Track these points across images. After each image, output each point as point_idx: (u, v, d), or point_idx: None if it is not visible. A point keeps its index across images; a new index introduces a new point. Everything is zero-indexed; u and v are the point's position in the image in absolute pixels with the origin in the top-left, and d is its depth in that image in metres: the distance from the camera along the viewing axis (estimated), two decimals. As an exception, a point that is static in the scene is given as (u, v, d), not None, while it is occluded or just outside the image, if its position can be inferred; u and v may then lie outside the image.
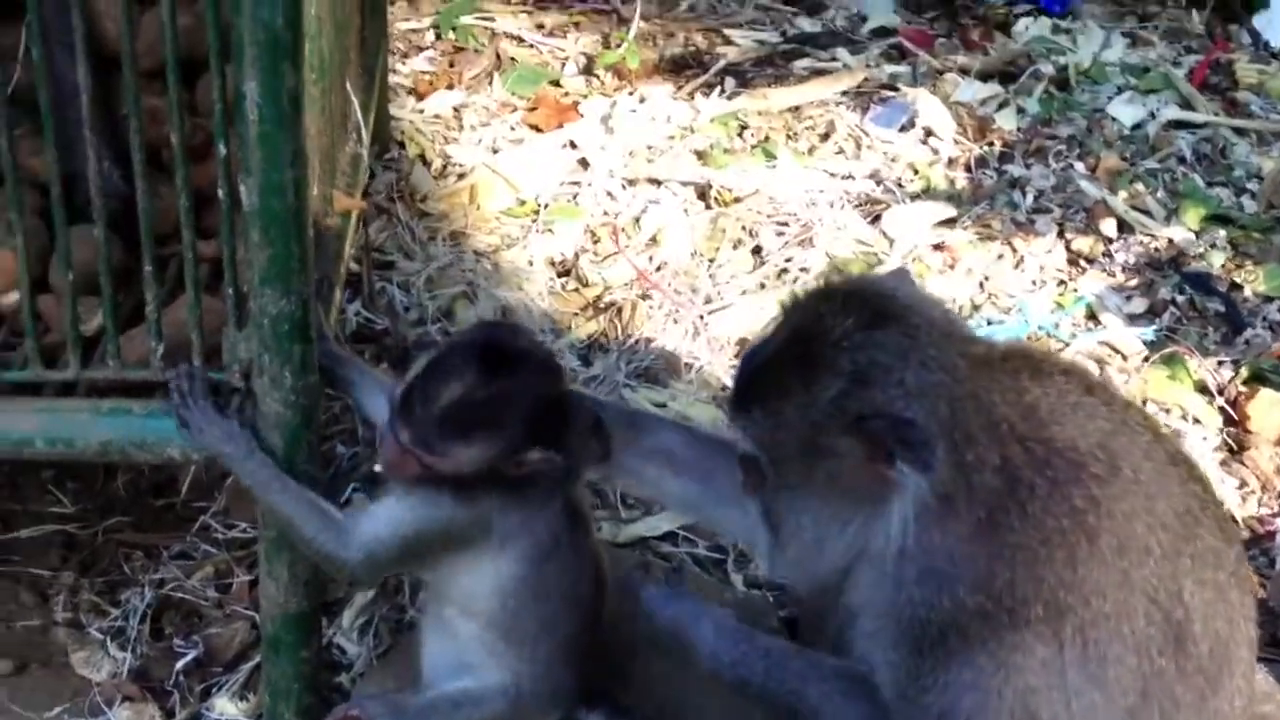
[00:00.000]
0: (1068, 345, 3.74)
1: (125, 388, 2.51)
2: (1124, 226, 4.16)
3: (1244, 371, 3.65)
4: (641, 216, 4.11)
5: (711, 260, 3.98)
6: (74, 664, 2.91)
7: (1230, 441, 3.52)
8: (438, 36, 4.89)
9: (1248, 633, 2.26)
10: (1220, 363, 3.70)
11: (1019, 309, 3.85)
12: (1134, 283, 3.98)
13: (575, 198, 4.18)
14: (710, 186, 4.20)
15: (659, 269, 3.93)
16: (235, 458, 2.43)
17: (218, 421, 2.43)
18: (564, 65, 4.78)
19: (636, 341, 3.71)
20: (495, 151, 4.32)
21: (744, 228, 4.08)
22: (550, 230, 4.06)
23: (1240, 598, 2.24)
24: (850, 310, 2.17)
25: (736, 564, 3.10)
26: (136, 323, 2.58)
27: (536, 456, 2.36)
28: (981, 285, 3.95)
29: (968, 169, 4.37)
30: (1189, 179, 4.36)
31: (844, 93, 4.66)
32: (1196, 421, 3.56)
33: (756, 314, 3.72)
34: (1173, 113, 4.65)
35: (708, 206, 4.17)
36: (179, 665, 2.89)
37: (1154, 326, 3.82)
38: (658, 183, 4.23)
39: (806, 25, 5.10)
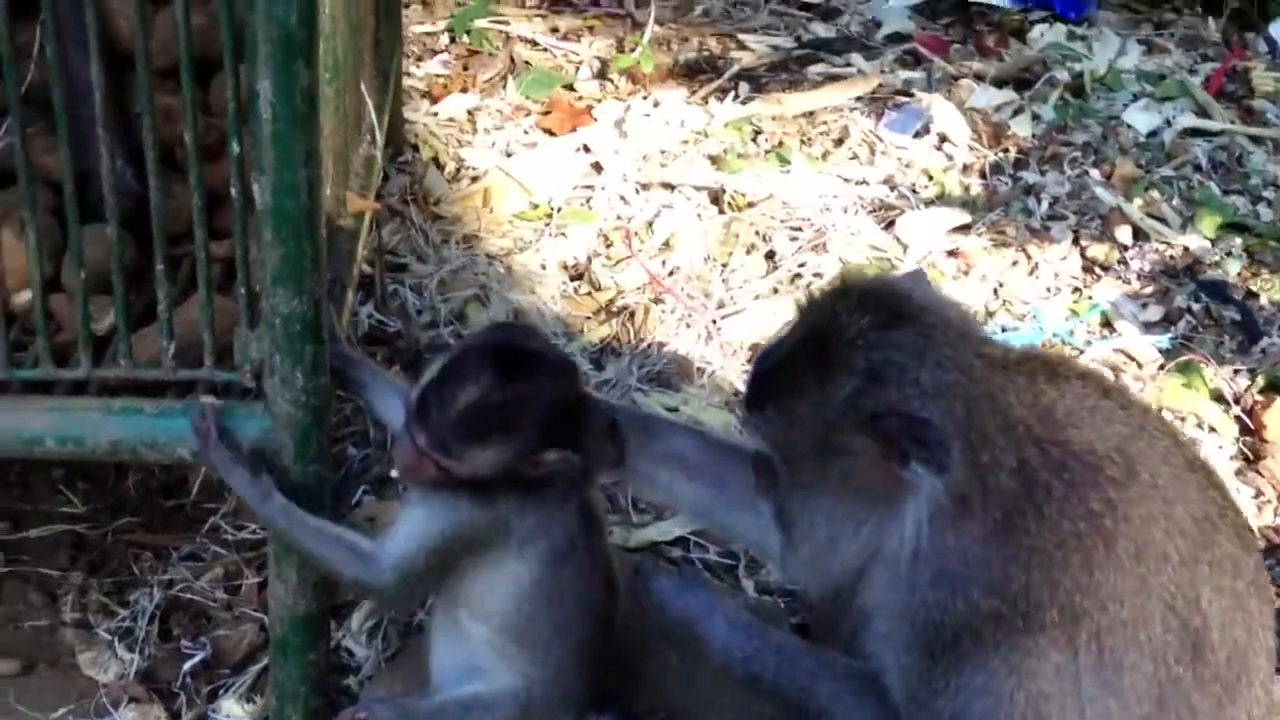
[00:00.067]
0: (1082, 353, 3.72)
1: (136, 387, 2.50)
2: (1139, 234, 4.14)
3: (1260, 380, 3.62)
4: (654, 221, 4.10)
5: (724, 265, 3.97)
6: (81, 664, 2.90)
7: (1246, 451, 3.49)
8: (452, 40, 4.89)
9: (1266, 642, 2.24)
10: (1236, 371, 3.68)
11: (1033, 316, 3.84)
12: (1149, 290, 3.96)
13: (588, 201, 4.17)
14: (724, 191, 4.19)
15: (672, 273, 3.92)
16: (256, 500, 2.45)
17: (238, 465, 2.44)
18: (578, 69, 4.77)
19: (649, 346, 3.69)
20: (509, 155, 4.31)
21: (757, 233, 4.07)
22: (563, 234, 4.05)
23: (1259, 606, 2.22)
24: (866, 309, 2.15)
25: (748, 569, 3.08)
26: (148, 322, 2.57)
27: (554, 457, 2.35)
28: (996, 292, 3.93)
29: (982, 175, 4.35)
30: (1205, 187, 4.34)
31: (858, 98, 4.65)
32: (1212, 430, 3.53)
33: (769, 319, 3.70)
34: (1189, 120, 4.63)
35: (721, 211, 4.15)
36: (186, 667, 2.88)
37: (1169, 334, 3.79)
38: (671, 187, 4.22)
39: (821, 30, 5.09)
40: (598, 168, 4.28)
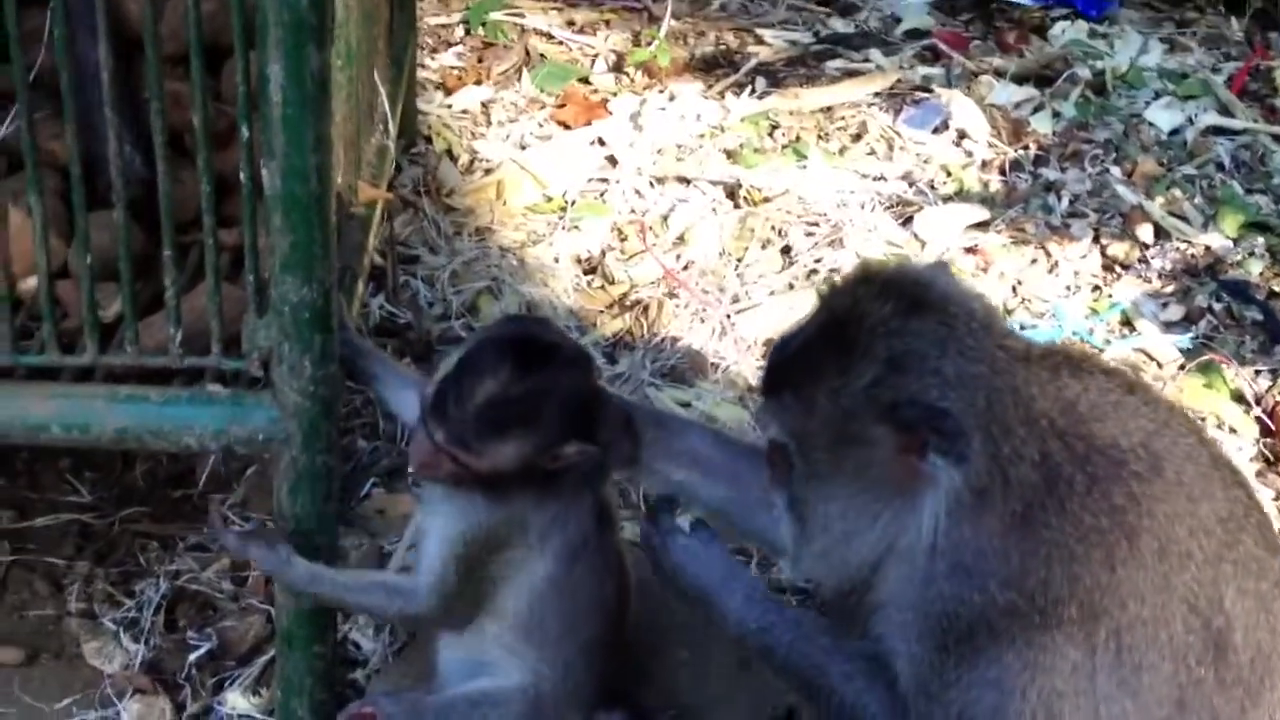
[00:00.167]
0: (1102, 352, 3.67)
1: (143, 374, 2.48)
2: (1160, 232, 4.10)
3: (1282, 381, 3.58)
4: (669, 215, 4.07)
5: (740, 260, 3.93)
6: (86, 654, 2.88)
7: (1266, 452, 3.45)
8: (467, 32, 4.87)
9: (1290, 645, 2.19)
10: (1258, 372, 3.64)
11: (1053, 314, 3.79)
12: (1170, 289, 3.91)
13: (603, 195, 4.14)
14: (740, 186, 4.15)
15: (686, 268, 3.89)
16: (279, 571, 2.46)
17: (251, 540, 2.48)
18: (593, 62, 4.75)
19: (662, 340, 3.66)
20: (523, 148, 4.29)
21: (773, 228, 4.03)
22: (577, 227, 4.02)
23: (1284, 608, 2.18)
24: (888, 297, 2.12)
25: (760, 567, 3.04)
26: (156, 310, 2.55)
27: (572, 450, 2.34)
28: (1014, 289, 3.89)
29: (1002, 172, 4.31)
30: (1227, 186, 4.29)
31: (876, 94, 4.61)
32: (1232, 431, 3.49)
33: (785, 314, 3.66)
34: (1211, 119, 4.58)
35: (737, 206, 4.12)
36: (192, 658, 2.86)
37: (1190, 334, 3.75)
38: (686, 181, 4.19)
39: (839, 26, 5.05)
40: (612, 161, 4.25)
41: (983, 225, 4.07)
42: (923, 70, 4.75)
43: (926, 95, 4.58)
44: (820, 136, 4.42)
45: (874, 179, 4.23)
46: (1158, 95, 4.70)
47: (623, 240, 3.99)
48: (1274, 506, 3.32)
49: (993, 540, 2.08)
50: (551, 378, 2.31)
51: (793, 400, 2.16)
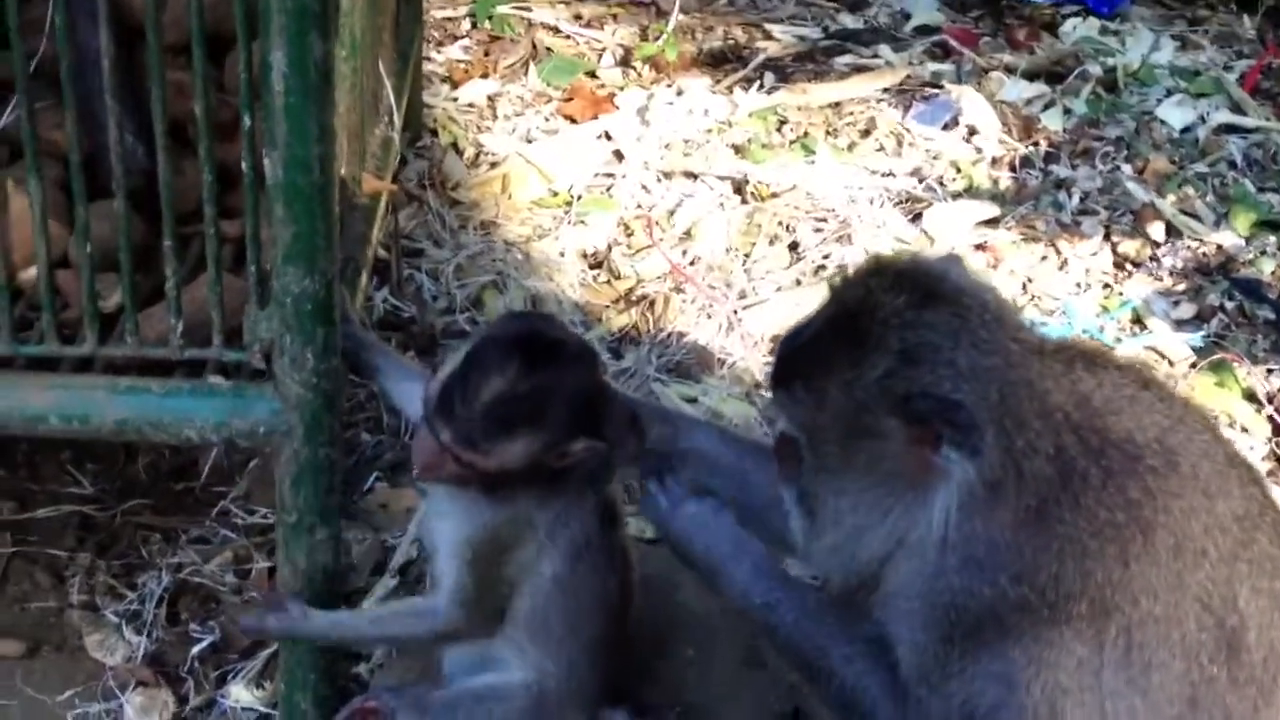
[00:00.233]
0: (1113, 350, 3.64)
1: (143, 366, 2.46)
2: (1172, 230, 4.06)
3: (1294, 380, 3.55)
4: (676, 210, 4.05)
5: (747, 255, 3.91)
6: (88, 647, 2.86)
7: (1278, 452, 3.42)
8: (474, 25, 4.85)
9: (1305, 645, 2.16)
10: (1270, 371, 3.60)
11: (1063, 311, 3.76)
12: (1182, 288, 3.88)
13: (609, 190, 4.11)
14: (747, 181, 4.13)
15: (693, 263, 3.86)
16: (300, 629, 2.47)
17: (262, 612, 2.49)
18: (600, 56, 4.72)
19: (668, 336, 3.64)
20: (529, 141, 4.26)
21: (781, 223, 4.01)
22: (583, 222, 3.99)
23: (1298, 608, 2.15)
24: (901, 288, 2.10)
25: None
26: (156, 300, 2.53)
27: (580, 447, 2.31)
28: (1024, 287, 3.86)
29: (1012, 169, 4.28)
30: (1239, 184, 4.26)
31: (886, 90, 4.58)
32: (1244, 431, 3.46)
33: (792, 310, 3.62)
34: (1223, 116, 4.55)
35: (744, 201, 4.09)
36: (194, 651, 2.84)
37: (1202, 333, 3.72)
38: (693, 176, 4.16)
39: (849, 21, 5.02)
40: (619, 156, 4.23)
41: (993, 222, 4.04)
42: (932, 66, 4.72)
43: (936, 91, 4.55)
44: (829, 132, 4.39)
45: (883, 175, 4.20)
46: (1169, 93, 4.67)
47: (629, 235, 3.97)
48: (1285, 506, 3.29)
49: (1005, 534, 2.05)
50: (558, 374, 2.28)
51: (803, 392, 2.14)
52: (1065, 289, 3.85)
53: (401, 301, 3.60)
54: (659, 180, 4.15)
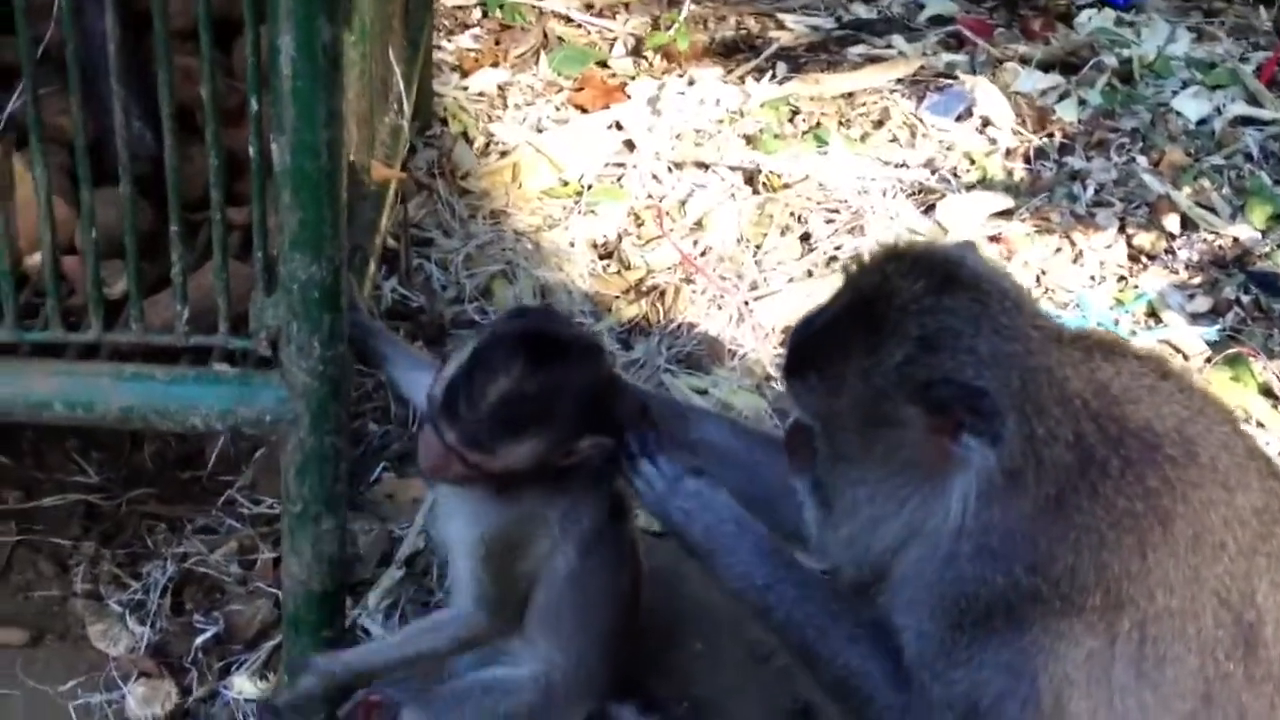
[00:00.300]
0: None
1: (149, 353, 2.44)
2: (1187, 223, 4.03)
3: (1311, 375, 3.52)
4: (687, 200, 4.02)
5: (758, 246, 3.88)
6: (91, 637, 2.85)
7: (1294, 447, 3.39)
8: (484, 14, 4.82)
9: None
10: (1286, 365, 3.57)
11: (1077, 304, 3.73)
12: (1197, 281, 3.85)
13: (620, 179, 4.09)
14: (759, 171, 4.10)
15: (703, 254, 3.84)
16: (338, 674, 2.47)
17: (288, 690, 2.49)
18: (612, 46, 4.69)
19: (679, 327, 3.61)
20: (539, 131, 4.24)
21: (793, 214, 3.98)
22: (593, 212, 3.97)
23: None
24: (919, 274, 2.06)
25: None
26: (162, 287, 2.51)
27: (587, 444, 2.29)
28: (1038, 279, 3.82)
29: (1026, 160, 4.24)
30: (1256, 176, 4.22)
31: (899, 80, 4.54)
32: (1260, 425, 3.43)
33: (803, 302, 3.56)
34: (1240, 109, 4.51)
35: (755, 191, 4.06)
36: (198, 642, 2.83)
37: (1217, 326, 3.69)
38: (705, 166, 4.13)
39: (862, 11, 4.99)
40: (630, 145, 4.20)
41: (1006, 214, 4.01)
42: (946, 57, 4.68)
43: (950, 82, 4.52)
44: (841, 123, 4.36)
45: (896, 166, 4.17)
46: (1185, 84, 4.63)
47: (639, 225, 3.94)
48: (1302, 502, 3.26)
49: (1022, 523, 2.02)
50: (563, 373, 2.25)
51: (818, 381, 2.10)
52: (1080, 282, 3.82)
53: (410, 291, 3.57)
54: (670, 170, 4.12)
